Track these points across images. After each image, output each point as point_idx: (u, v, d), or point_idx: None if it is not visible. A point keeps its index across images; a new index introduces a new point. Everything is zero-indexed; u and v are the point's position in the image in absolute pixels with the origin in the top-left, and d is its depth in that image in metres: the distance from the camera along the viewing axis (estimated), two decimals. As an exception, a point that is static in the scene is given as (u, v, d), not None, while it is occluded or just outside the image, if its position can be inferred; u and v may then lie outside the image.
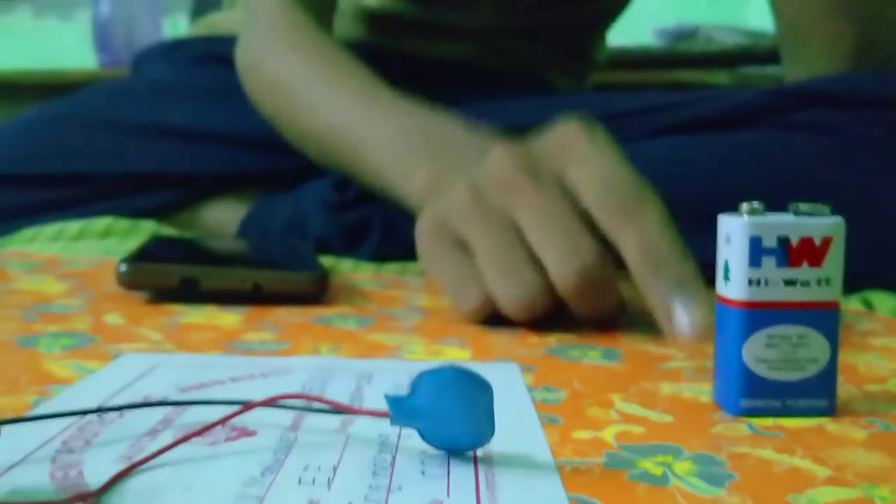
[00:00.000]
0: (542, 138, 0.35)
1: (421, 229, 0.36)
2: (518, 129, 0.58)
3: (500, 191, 0.33)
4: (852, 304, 0.43)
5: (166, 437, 0.20)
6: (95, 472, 0.18)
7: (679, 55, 1.11)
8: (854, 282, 0.45)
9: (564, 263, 0.31)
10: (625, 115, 0.54)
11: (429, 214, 0.36)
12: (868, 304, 0.43)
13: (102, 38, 1.29)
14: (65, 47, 1.86)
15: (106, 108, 0.66)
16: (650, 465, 0.20)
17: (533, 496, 0.18)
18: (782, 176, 0.45)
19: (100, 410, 0.21)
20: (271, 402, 0.20)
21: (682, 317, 0.29)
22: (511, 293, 0.32)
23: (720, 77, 1.03)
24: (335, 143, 0.49)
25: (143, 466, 0.18)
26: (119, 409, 0.21)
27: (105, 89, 0.70)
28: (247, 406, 0.20)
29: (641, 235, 0.30)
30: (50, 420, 0.21)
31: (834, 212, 0.23)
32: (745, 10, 1.50)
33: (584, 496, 0.18)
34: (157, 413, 0.22)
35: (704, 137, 0.49)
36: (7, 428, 0.20)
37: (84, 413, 0.21)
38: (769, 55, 0.98)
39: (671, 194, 0.49)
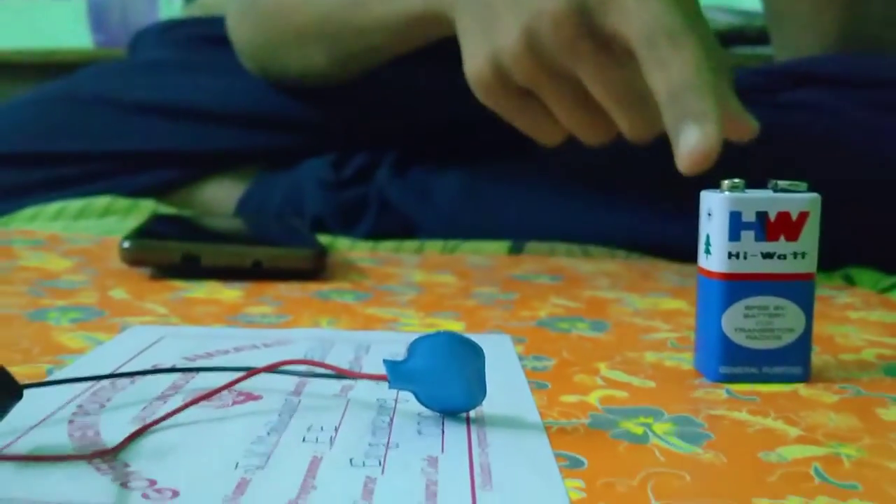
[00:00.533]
0: None
1: (475, 72, 0.38)
2: None
3: (561, 51, 0.35)
4: (835, 281, 0.45)
5: (176, 401, 0.22)
6: (111, 432, 0.19)
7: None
8: (838, 258, 0.46)
9: (636, 131, 0.37)
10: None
11: (481, 54, 0.37)
12: (850, 281, 0.45)
13: (98, 17, 1.29)
14: (59, 26, 1.85)
15: (104, 87, 0.67)
16: (632, 426, 0.21)
17: (521, 452, 0.19)
18: (771, 154, 0.46)
19: (114, 376, 0.22)
20: (275, 368, 0.21)
21: (684, 144, 0.31)
22: (593, 137, 0.39)
23: (712, 57, 1.04)
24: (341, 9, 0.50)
25: (157, 427, 0.20)
26: (131, 375, 0.22)
27: (103, 69, 0.71)
28: (252, 371, 0.21)
29: (670, 78, 0.32)
30: (66, 385, 0.22)
31: (812, 189, 0.24)
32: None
33: (568, 452, 0.19)
34: (167, 379, 0.23)
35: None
36: (25, 393, 0.21)
37: (100, 378, 0.22)
38: (761, 35, 0.98)
39: (659, 172, 0.50)
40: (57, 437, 0.19)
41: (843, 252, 0.46)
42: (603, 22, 0.35)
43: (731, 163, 0.47)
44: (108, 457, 0.18)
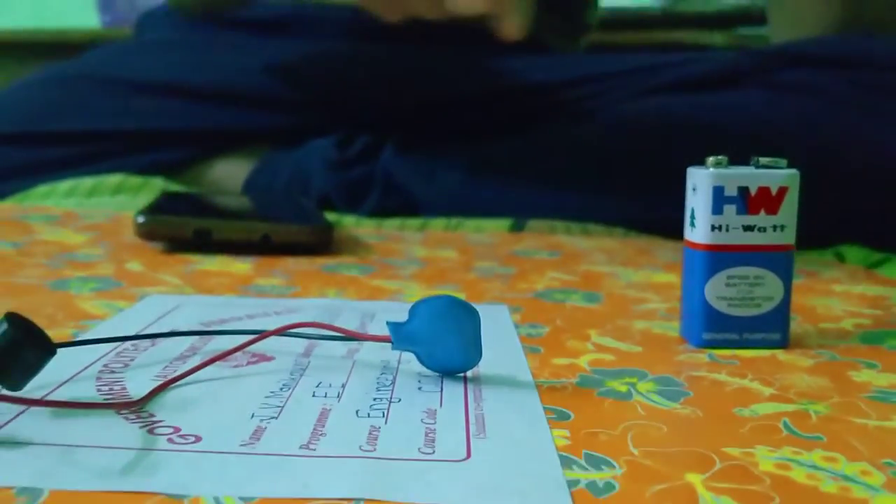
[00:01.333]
0: None
1: None
2: (512, 86, 0.60)
3: None
4: (826, 257, 0.46)
5: (194, 362, 0.23)
6: (136, 387, 0.21)
7: (675, 15, 1.13)
8: (829, 236, 0.48)
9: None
10: (613, 76, 0.57)
11: None
12: (840, 258, 0.46)
13: (105, -2, 1.30)
14: (67, 7, 1.86)
15: (114, 67, 0.68)
16: (617, 384, 0.22)
17: (513, 406, 0.20)
18: (764, 133, 0.47)
19: (137, 338, 0.24)
20: (287, 330, 0.23)
21: None
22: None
23: (716, 38, 1.05)
24: None
25: (178, 383, 0.21)
26: (153, 336, 0.24)
27: (112, 49, 0.72)
28: (266, 333, 0.23)
29: None
30: (92, 346, 0.24)
31: (792, 165, 0.26)
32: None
33: (556, 407, 0.21)
34: (186, 342, 0.25)
35: (690, 97, 0.52)
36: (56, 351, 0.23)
37: (125, 339, 0.24)
38: (765, 16, 0.99)
39: (657, 152, 0.51)
40: (86, 391, 0.21)
41: (834, 230, 0.47)
42: None
43: (723, 141, 0.48)
44: (136, 408, 0.19)
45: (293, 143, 0.62)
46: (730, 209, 0.25)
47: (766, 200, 0.25)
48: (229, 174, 0.63)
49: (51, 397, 0.20)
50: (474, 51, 0.63)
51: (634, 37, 1.12)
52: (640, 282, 0.36)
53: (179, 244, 0.41)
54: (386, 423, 0.19)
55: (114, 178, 0.58)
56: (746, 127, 0.46)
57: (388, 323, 0.22)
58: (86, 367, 0.23)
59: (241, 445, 0.18)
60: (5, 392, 0.19)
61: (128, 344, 0.25)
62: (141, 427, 0.18)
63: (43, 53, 1.30)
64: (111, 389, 0.21)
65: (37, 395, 0.20)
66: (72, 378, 0.22)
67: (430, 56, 0.61)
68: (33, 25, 1.44)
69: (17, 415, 0.19)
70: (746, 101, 0.50)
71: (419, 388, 0.22)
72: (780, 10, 0.60)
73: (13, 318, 0.19)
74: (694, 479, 0.17)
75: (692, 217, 0.26)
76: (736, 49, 0.99)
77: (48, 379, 0.21)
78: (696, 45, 1.03)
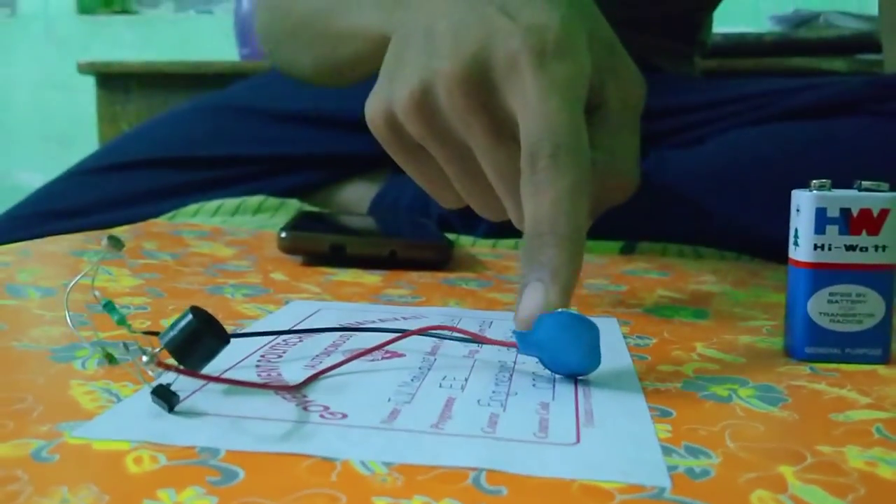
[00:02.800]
0: (493, 44, 0.31)
1: (369, 115, 0.35)
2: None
3: (452, 117, 0.32)
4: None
5: (336, 357, 0.27)
6: (290, 374, 0.25)
7: (794, 42, 1.11)
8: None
9: (518, 219, 0.32)
10: (730, 102, 0.58)
11: (378, 98, 0.34)
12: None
13: (244, 32, 1.40)
14: (209, 41, 2.01)
15: (254, 98, 0.75)
16: (719, 389, 0.24)
17: (619, 402, 0.23)
18: (875, 161, 0.47)
19: (301, 332, 0.28)
20: (423, 332, 0.26)
21: (526, 302, 0.26)
22: (486, 213, 0.35)
23: (837, 64, 1.03)
24: (321, 15, 0.48)
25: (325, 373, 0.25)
26: (314, 331, 0.28)
27: (253, 82, 0.79)
28: (407, 333, 0.26)
29: (537, 208, 0.27)
30: (248, 340, 0.28)
31: (893, 189, 0.27)
32: (871, -6, 1.46)
33: (660, 406, 0.23)
34: (329, 339, 0.28)
35: (804, 125, 0.52)
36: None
37: (286, 333, 0.27)
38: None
39: (772, 180, 0.52)
40: (248, 376, 0.24)
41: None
42: (503, 100, 0.31)
43: (833, 166, 0.49)
44: (293, 391, 0.23)
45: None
46: (832, 229, 0.27)
47: (868, 222, 0.26)
48: (358, 195, 0.68)
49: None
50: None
51: (752, 62, 1.11)
52: (747, 301, 0.38)
53: (316, 258, 0.45)
54: (504, 411, 0.22)
55: (255, 199, 0.64)
56: (858, 154, 0.46)
57: (514, 332, 0.24)
58: (246, 357, 0.26)
59: (381, 422, 0.21)
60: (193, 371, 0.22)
61: (279, 339, 0.28)
62: (296, 405, 0.22)
63: (188, 84, 1.41)
64: (269, 375, 0.24)
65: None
66: (235, 365, 0.25)
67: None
68: (179, 58, 1.56)
69: (194, 391, 0.22)
70: (859, 129, 0.50)
71: (533, 385, 0.24)
72: (893, 38, 0.59)
73: (196, 310, 0.22)
74: (785, 470, 0.19)
75: (796, 237, 0.27)
76: (852, 75, 0.97)
77: (215, 366, 0.25)
78: (816, 72, 1.02)
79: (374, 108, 0.34)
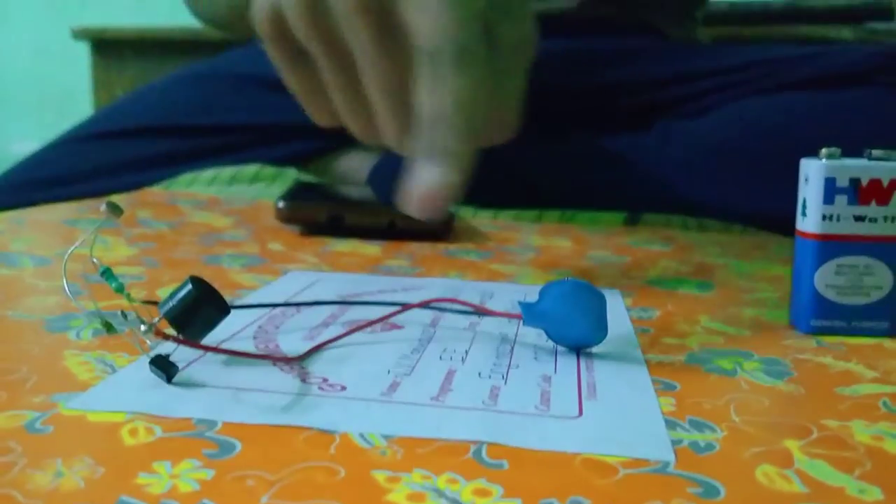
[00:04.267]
0: None
1: (259, 12, 0.34)
2: (632, 79, 0.61)
3: (341, 19, 0.31)
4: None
5: (335, 329, 0.26)
6: (288, 346, 0.24)
7: (801, 9, 1.10)
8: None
9: (392, 137, 0.32)
10: (737, 70, 0.57)
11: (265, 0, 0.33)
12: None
13: (241, 0, 1.38)
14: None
15: (249, 66, 0.73)
16: (724, 362, 0.24)
17: (622, 375, 0.22)
18: (887, 133, 0.46)
19: (290, 304, 0.27)
20: (426, 305, 0.25)
21: (418, 179, 0.28)
22: (358, 131, 0.34)
23: (844, 32, 1.02)
24: None
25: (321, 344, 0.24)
26: (314, 304, 0.27)
27: (248, 50, 0.77)
28: (408, 305, 0.25)
29: (437, 101, 0.28)
30: (246, 311, 0.27)
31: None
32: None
33: (664, 379, 0.22)
34: (327, 310, 0.28)
35: (813, 94, 0.51)
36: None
37: (280, 305, 0.27)
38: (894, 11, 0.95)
39: (780, 152, 0.51)
40: (245, 347, 0.24)
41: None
42: (397, 8, 0.30)
43: (842, 138, 0.48)
44: (294, 362, 0.22)
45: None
46: (841, 199, 0.26)
47: (878, 192, 0.26)
48: (354, 165, 0.67)
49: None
50: (592, 41, 0.64)
51: (760, 30, 1.10)
52: (753, 273, 0.37)
53: (314, 228, 0.44)
54: (505, 383, 0.21)
55: (251, 169, 0.63)
56: (870, 124, 0.45)
57: (519, 303, 0.24)
58: (243, 328, 0.26)
59: (381, 395, 0.20)
60: (191, 340, 0.22)
61: (277, 310, 0.28)
62: (295, 377, 0.21)
63: (183, 50, 1.39)
64: (267, 346, 0.24)
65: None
66: (233, 336, 0.25)
67: (549, 47, 0.62)
68: (171, 24, 1.54)
69: (192, 362, 0.22)
70: (871, 100, 0.49)
71: (535, 358, 0.24)
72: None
73: (196, 280, 0.22)
74: (791, 444, 0.18)
75: (804, 207, 0.27)
76: (865, 43, 0.96)
77: (212, 337, 0.25)
78: (824, 40, 1.00)
79: (262, 6, 0.33)
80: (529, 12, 0.35)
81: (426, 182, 0.27)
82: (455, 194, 0.28)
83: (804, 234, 0.27)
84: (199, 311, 0.21)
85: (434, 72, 0.28)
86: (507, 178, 0.59)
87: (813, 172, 0.26)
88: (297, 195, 0.46)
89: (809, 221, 0.27)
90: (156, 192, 0.59)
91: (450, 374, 0.22)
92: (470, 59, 0.28)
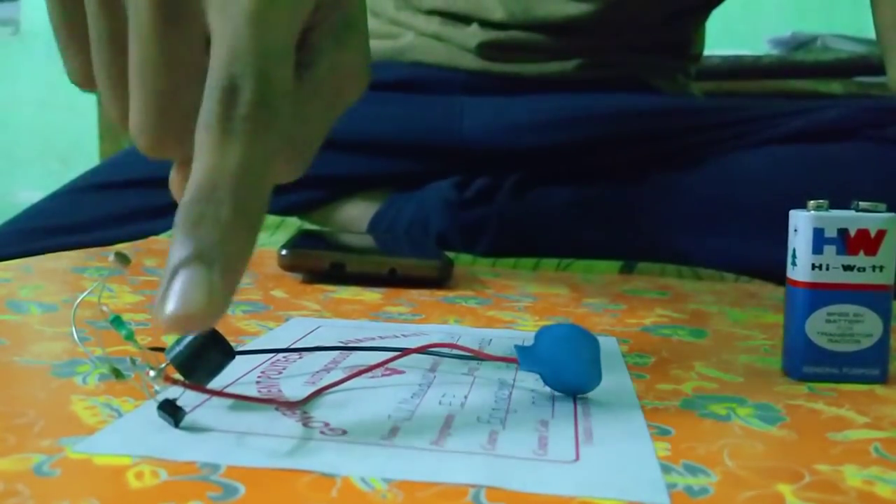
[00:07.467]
0: None
1: None
2: (626, 132, 0.62)
3: None
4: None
5: (337, 374, 0.27)
6: (290, 391, 0.25)
7: (792, 64, 1.12)
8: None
9: (139, 129, 0.24)
10: (729, 125, 0.58)
11: None
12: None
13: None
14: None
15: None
16: (717, 408, 0.24)
17: (618, 421, 0.23)
18: (874, 186, 0.48)
19: (292, 350, 0.27)
20: (425, 350, 0.26)
21: (176, 292, 0.19)
22: (107, 104, 0.26)
23: (834, 86, 1.04)
24: None
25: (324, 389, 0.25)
26: (314, 350, 0.28)
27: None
28: (407, 350, 0.26)
29: (220, 162, 0.20)
30: (248, 357, 0.28)
31: (891, 210, 0.27)
32: (866, 19, 1.47)
33: (659, 424, 0.23)
34: (329, 356, 0.28)
35: (804, 148, 0.53)
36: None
37: (284, 351, 0.27)
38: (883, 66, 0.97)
39: (769, 202, 0.52)
40: (249, 392, 0.24)
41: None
42: None
43: (832, 189, 0.49)
44: (295, 408, 0.23)
45: (415, 186, 0.66)
46: (830, 249, 0.27)
47: (866, 242, 0.27)
48: (357, 214, 0.68)
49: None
50: (587, 98, 0.66)
51: (751, 85, 1.12)
52: (746, 320, 0.38)
53: (317, 276, 0.45)
54: (504, 428, 0.22)
55: (254, 217, 0.64)
56: (855, 177, 0.46)
57: (515, 346, 0.24)
58: (246, 373, 0.26)
59: (382, 439, 0.21)
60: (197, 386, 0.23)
61: (279, 356, 0.28)
62: (297, 421, 0.22)
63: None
64: (269, 391, 0.25)
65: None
66: (236, 381, 0.25)
67: (546, 106, 0.64)
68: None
69: (196, 406, 0.23)
70: (857, 153, 0.51)
71: (532, 403, 0.24)
72: (892, 56, 0.60)
73: (199, 325, 0.23)
74: (784, 489, 0.19)
75: (794, 256, 0.28)
76: (855, 98, 0.98)
77: (217, 381, 0.25)
78: (814, 93, 1.02)
79: None
80: (365, 37, 0.28)
81: (191, 298, 0.19)
82: (221, 307, 0.19)
83: (795, 283, 0.28)
84: (205, 356, 0.22)
85: (220, 121, 0.21)
86: (505, 228, 0.60)
87: (801, 223, 0.27)
88: (299, 243, 0.47)
89: (799, 270, 0.27)
90: (161, 240, 0.60)
91: (449, 419, 0.22)
92: (269, 119, 0.21)
